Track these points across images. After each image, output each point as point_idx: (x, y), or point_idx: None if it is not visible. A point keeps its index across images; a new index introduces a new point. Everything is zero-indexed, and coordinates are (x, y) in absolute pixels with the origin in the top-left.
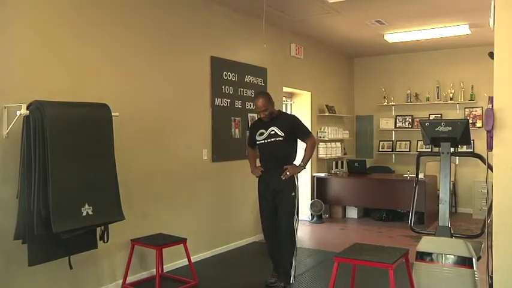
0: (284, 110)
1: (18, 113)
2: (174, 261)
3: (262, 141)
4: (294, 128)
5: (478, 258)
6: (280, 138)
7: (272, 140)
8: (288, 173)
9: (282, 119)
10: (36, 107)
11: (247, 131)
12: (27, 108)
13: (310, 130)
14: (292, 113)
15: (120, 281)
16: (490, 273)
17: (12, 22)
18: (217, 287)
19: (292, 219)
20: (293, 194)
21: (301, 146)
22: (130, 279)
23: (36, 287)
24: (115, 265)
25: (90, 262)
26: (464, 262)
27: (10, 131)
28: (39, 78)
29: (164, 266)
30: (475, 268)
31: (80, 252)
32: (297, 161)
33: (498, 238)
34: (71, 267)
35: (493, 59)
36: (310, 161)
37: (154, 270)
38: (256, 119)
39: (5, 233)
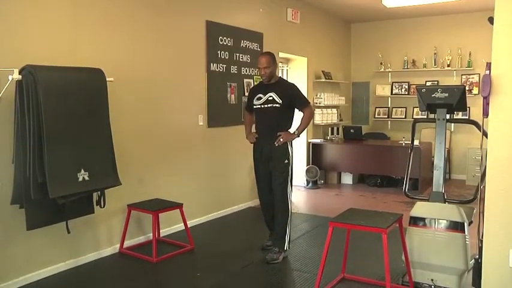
0: (280, 75)
1: (10, 77)
2: (171, 226)
3: (259, 106)
4: (293, 96)
5: (470, 223)
6: (277, 105)
7: (269, 105)
8: (281, 140)
9: (281, 86)
10: (29, 72)
11: (243, 97)
12: (19, 73)
13: (308, 100)
14: (291, 81)
15: (118, 246)
16: (480, 237)
17: None
18: (213, 251)
19: (286, 187)
20: (286, 161)
21: (297, 116)
22: (128, 243)
23: (34, 250)
24: (112, 230)
25: (87, 227)
26: (456, 227)
27: (3, 96)
28: (31, 42)
29: (161, 231)
30: (466, 232)
31: (77, 217)
32: (293, 130)
33: (490, 203)
34: (68, 232)
35: (492, 24)
36: (305, 129)
37: (151, 234)
38: (255, 84)
39: (2, 197)
